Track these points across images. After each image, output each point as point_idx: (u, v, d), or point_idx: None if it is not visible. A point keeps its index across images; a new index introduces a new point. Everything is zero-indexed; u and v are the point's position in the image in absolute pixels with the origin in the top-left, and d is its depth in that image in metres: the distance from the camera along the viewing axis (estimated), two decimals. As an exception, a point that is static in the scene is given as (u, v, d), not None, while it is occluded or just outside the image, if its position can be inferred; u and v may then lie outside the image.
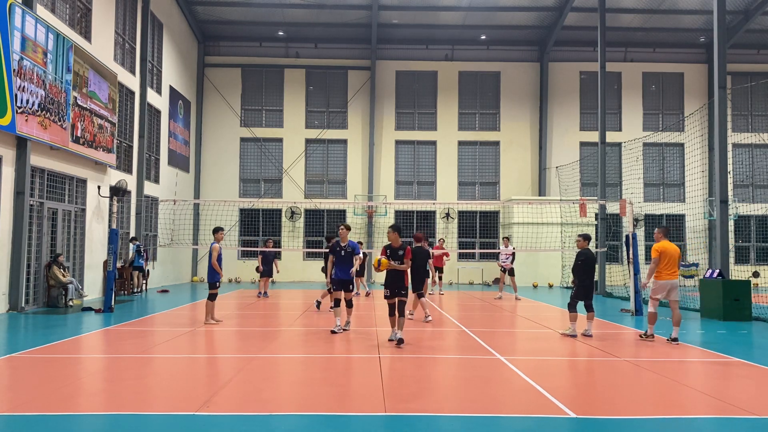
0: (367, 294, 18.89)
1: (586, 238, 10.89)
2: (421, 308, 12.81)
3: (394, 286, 9.57)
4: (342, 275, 10.83)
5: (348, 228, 11.06)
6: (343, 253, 10.85)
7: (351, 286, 11.05)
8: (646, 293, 14.74)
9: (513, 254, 18.68)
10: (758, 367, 8.02)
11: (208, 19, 27.37)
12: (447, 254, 20.26)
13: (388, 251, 9.55)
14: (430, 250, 16.77)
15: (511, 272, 18.49)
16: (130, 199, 20.04)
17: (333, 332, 10.70)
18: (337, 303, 10.91)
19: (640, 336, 10.46)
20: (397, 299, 9.53)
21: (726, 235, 14.62)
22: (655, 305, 10.18)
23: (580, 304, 10.73)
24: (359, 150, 28.50)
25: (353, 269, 10.87)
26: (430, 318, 12.56)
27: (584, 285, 10.57)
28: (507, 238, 19.49)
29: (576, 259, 10.73)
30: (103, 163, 17.69)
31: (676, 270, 10.04)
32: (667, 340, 9.95)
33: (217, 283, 11.82)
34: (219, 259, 11.84)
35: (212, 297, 11.80)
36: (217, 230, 12.09)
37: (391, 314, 9.62)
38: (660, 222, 28.18)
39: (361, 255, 11.12)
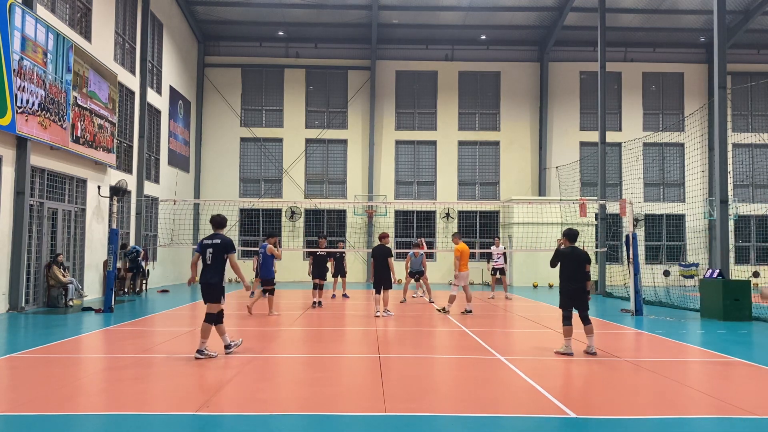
0: (344, 295, 18.37)
1: (565, 235, 9.13)
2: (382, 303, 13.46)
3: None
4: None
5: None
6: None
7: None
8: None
9: (504, 254, 18.79)
10: (758, 367, 8.02)
11: (208, 19, 27.37)
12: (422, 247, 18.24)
13: None
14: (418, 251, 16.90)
15: (502, 272, 18.63)
16: (130, 199, 20.03)
17: (229, 350, 8.58)
18: (207, 318, 8.44)
19: (439, 310, 14.17)
20: None
21: (726, 235, 14.62)
22: (457, 290, 13.91)
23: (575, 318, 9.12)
24: (359, 150, 28.49)
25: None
26: (378, 314, 13.21)
27: (564, 291, 8.95)
28: (498, 238, 19.55)
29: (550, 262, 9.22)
30: (103, 163, 17.69)
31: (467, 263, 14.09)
32: (438, 310, 14.11)
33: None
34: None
35: (273, 291, 13.51)
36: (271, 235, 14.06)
37: None
38: (660, 221, 28.22)
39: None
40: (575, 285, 8.83)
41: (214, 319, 8.35)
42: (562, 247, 9.18)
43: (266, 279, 13.43)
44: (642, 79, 29.19)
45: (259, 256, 13.64)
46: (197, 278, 8.62)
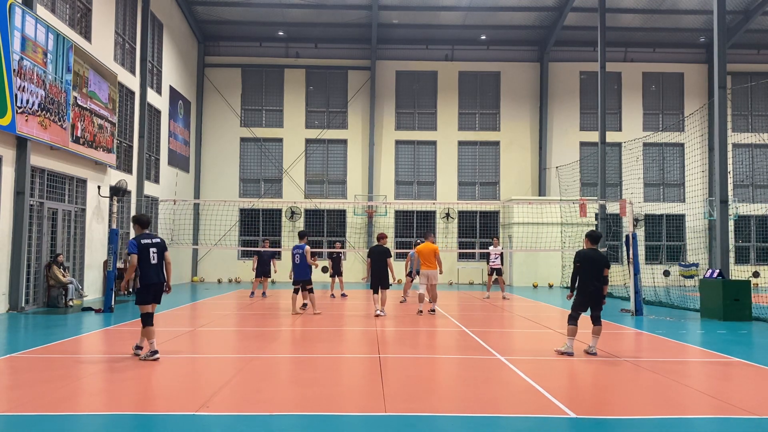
0: (343, 295, 18.55)
1: (587, 236, 9.03)
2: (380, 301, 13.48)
3: None
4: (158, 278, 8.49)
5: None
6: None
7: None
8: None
9: (501, 254, 19.00)
10: (758, 367, 8.02)
11: (208, 19, 27.36)
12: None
13: None
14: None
15: (500, 272, 18.68)
16: (130, 199, 20.03)
17: (152, 355, 8.14)
18: (147, 320, 8.24)
19: (419, 312, 13.90)
20: None
21: (726, 235, 14.62)
22: (423, 288, 14.09)
23: (584, 317, 9.07)
24: (359, 150, 28.49)
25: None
26: (379, 313, 13.15)
27: (584, 292, 8.72)
28: (497, 238, 19.87)
29: (573, 261, 8.97)
30: (103, 163, 17.69)
31: (432, 262, 14.03)
32: (420, 313, 13.81)
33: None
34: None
35: (311, 290, 13.67)
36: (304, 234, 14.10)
37: None
38: (660, 221, 28.23)
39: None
40: (596, 285, 8.71)
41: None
42: (583, 248, 9.06)
43: (303, 280, 13.69)
44: (642, 79, 29.18)
45: (295, 257, 13.72)
46: (131, 281, 8.63)
